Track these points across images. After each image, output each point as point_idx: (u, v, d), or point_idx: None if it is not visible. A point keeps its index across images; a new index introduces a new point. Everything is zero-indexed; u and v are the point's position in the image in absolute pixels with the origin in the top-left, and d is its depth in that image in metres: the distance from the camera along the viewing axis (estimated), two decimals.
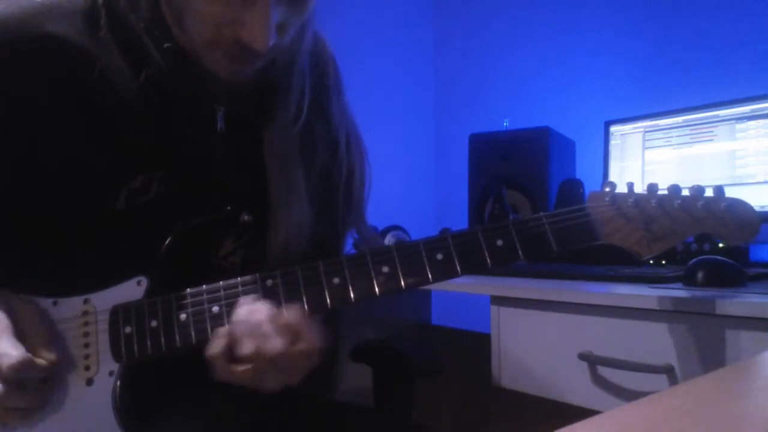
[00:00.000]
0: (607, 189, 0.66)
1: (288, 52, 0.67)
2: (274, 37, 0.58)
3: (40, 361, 0.56)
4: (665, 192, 0.66)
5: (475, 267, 0.61)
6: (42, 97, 0.60)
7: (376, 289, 0.60)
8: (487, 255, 0.61)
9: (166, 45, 0.61)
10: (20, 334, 0.57)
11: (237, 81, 0.63)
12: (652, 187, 0.66)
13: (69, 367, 0.60)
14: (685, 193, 0.67)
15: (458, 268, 0.60)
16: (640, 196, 0.65)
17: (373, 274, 0.60)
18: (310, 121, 0.71)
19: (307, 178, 0.70)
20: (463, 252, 0.61)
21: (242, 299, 0.59)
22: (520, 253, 0.61)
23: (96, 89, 0.61)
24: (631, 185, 0.67)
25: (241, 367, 0.56)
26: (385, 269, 0.60)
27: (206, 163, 0.67)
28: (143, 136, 0.63)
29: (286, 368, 0.57)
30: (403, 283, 0.60)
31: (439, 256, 0.60)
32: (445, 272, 0.60)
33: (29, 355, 0.55)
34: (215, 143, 0.66)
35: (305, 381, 0.60)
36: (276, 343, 0.55)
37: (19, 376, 0.54)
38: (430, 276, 0.60)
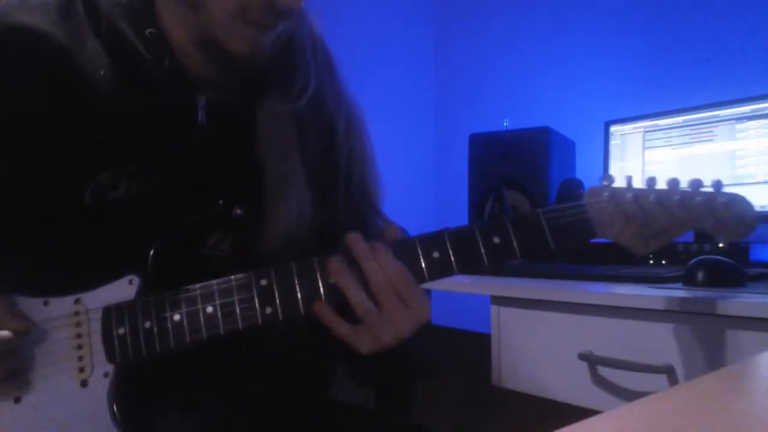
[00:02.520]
0: (606, 183, 0.65)
1: (291, 27, 0.65)
2: None
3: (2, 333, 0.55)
4: (664, 187, 0.65)
5: (471, 265, 0.60)
6: (12, 88, 0.59)
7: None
8: (483, 252, 0.59)
9: (148, 31, 0.60)
10: None
11: (259, 55, 0.62)
12: (651, 182, 0.65)
13: (62, 368, 0.59)
14: (684, 186, 0.65)
15: (454, 266, 0.59)
16: (639, 192, 0.64)
17: None
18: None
19: (303, 163, 0.68)
20: (459, 249, 0.59)
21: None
22: (517, 250, 0.60)
23: (69, 80, 0.60)
24: (629, 179, 0.66)
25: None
26: None
27: (189, 157, 0.65)
28: (119, 128, 0.61)
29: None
30: None
31: (435, 254, 0.59)
32: (442, 270, 0.59)
33: None
34: (196, 136, 0.65)
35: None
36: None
37: None
38: (426, 274, 0.59)
